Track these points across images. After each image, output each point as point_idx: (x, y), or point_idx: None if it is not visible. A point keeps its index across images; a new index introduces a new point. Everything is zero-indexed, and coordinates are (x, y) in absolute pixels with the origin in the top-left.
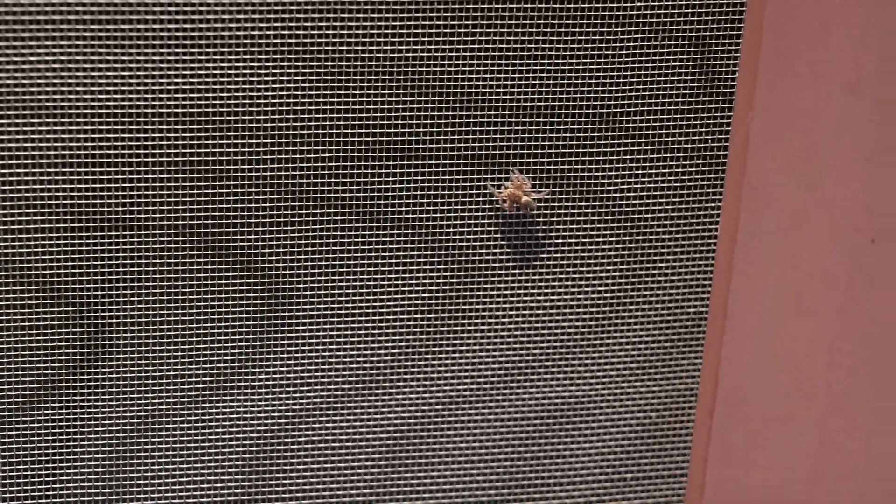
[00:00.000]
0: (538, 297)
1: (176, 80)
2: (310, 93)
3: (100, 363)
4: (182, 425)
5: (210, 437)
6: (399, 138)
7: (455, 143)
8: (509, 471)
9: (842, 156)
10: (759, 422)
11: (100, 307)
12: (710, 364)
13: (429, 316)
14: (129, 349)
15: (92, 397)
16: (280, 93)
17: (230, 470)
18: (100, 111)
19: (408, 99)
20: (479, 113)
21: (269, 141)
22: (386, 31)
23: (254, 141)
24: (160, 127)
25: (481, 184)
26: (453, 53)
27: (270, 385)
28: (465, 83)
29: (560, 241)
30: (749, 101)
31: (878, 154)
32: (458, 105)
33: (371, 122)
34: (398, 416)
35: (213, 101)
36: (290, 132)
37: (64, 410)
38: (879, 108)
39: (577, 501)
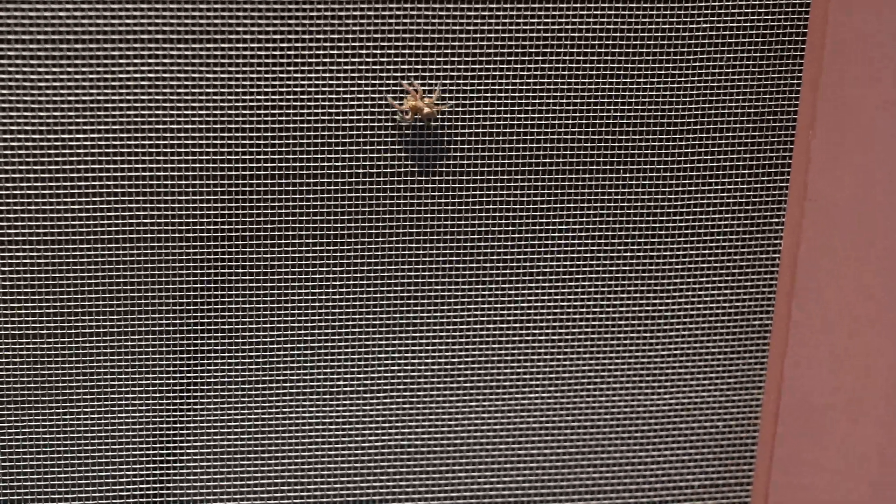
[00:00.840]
0: (607, 310)
1: (271, 95)
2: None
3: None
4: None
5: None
6: (471, 145)
7: (525, 153)
8: (580, 477)
9: None
10: (822, 431)
11: (186, 314)
12: (774, 375)
13: (501, 327)
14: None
15: (189, 400)
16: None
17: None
18: (187, 124)
19: (471, 113)
20: (546, 122)
21: (314, 156)
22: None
23: (302, 157)
24: (241, 138)
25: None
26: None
27: (350, 391)
28: (524, 92)
29: (629, 255)
30: (811, 121)
31: None
32: (528, 119)
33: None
34: (472, 422)
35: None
36: (345, 147)
37: (160, 412)
38: None
39: None
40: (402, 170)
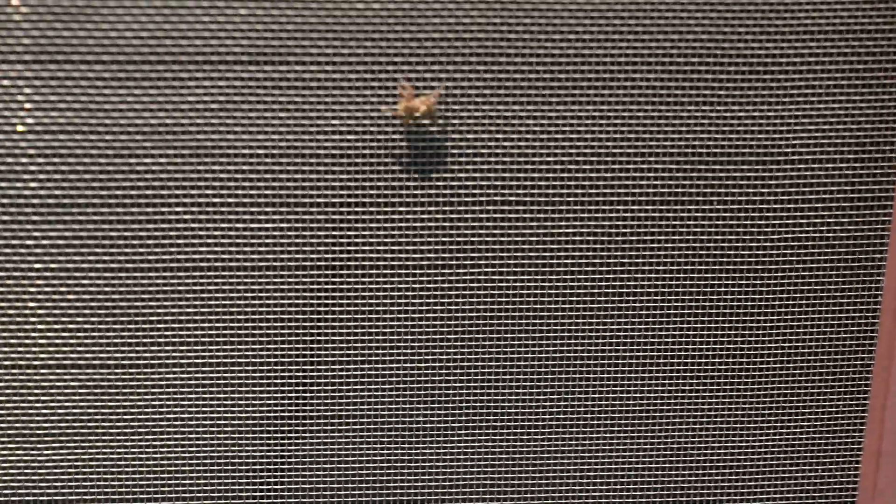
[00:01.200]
0: (703, 349)
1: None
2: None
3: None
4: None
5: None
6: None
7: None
8: None
9: None
10: None
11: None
12: (875, 418)
13: (589, 367)
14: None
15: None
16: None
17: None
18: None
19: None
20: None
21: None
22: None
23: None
24: (289, 174)
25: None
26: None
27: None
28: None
29: (729, 296)
30: None
31: None
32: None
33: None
34: (528, 464)
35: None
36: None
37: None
38: None
39: None
40: (435, 192)
